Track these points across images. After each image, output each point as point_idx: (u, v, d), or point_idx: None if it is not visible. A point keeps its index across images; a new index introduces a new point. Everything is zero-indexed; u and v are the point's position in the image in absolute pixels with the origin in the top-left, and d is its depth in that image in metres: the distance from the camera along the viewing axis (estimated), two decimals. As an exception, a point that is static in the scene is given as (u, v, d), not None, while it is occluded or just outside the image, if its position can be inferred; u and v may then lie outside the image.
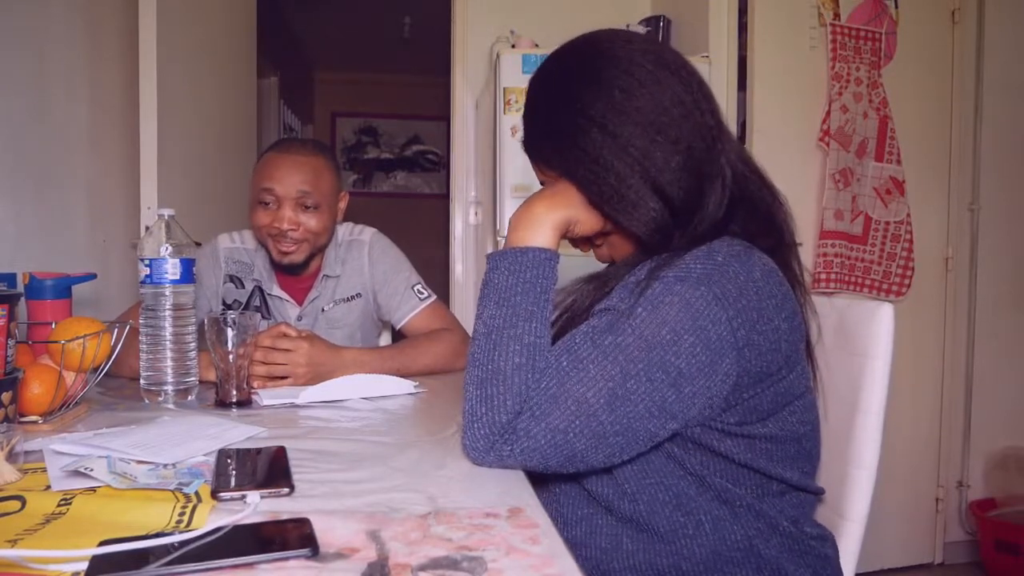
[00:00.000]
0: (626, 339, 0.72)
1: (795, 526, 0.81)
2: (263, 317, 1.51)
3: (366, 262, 1.56)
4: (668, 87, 0.80)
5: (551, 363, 0.75)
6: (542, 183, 0.90)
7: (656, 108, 0.79)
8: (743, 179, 0.85)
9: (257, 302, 1.53)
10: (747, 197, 0.84)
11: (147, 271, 1.10)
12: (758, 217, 0.84)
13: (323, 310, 1.53)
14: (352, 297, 1.55)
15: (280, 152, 1.46)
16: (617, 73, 0.80)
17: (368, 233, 1.59)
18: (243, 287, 1.53)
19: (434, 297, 1.55)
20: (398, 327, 1.56)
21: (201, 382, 1.17)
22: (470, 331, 0.84)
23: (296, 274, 1.53)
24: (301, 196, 1.41)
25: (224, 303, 1.53)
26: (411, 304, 1.53)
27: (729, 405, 0.76)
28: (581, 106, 0.80)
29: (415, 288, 1.54)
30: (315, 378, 1.20)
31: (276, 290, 1.52)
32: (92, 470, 0.71)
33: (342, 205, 1.53)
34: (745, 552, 0.78)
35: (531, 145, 0.88)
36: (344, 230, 1.59)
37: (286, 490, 0.68)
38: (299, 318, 1.52)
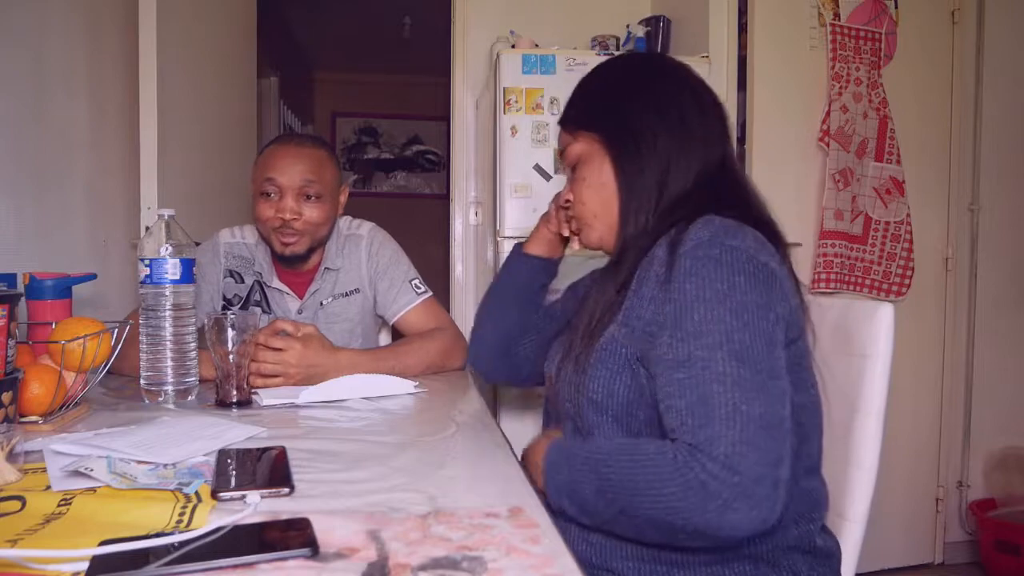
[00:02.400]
0: (712, 348, 0.73)
1: (796, 525, 0.81)
2: (263, 311, 1.52)
3: (364, 256, 1.56)
4: (713, 115, 0.94)
5: (688, 422, 0.71)
6: (562, 153, 1.01)
7: (696, 126, 0.92)
8: (740, 190, 0.92)
9: (257, 296, 1.53)
10: (740, 203, 0.89)
11: (147, 271, 1.10)
12: (748, 217, 0.86)
13: (322, 304, 1.53)
14: (351, 292, 1.55)
15: (282, 144, 1.47)
16: (680, 89, 0.94)
17: (366, 228, 1.59)
18: (243, 281, 1.53)
19: (430, 293, 1.56)
20: (392, 321, 1.56)
21: (202, 380, 1.17)
22: (466, 330, 0.85)
23: (297, 267, 1.53)
24: (304, 185, 1.42)
25: (224, 298, 1.53)
26: (408, 298, 1.53)
27: (787, 343, 0.78)
28: (653, 100, 0.93)
29: (412, 282, 1.55)
30: (307, 379, 1.20)
31: (276, 283, 1.52)
32: (92, 470, 0.71)
33: (342, 199, 1.55)
34: (744, 553, 0.78)
35: (584, 112, 0.98)
36: (344, 224, 1.59)
37: (286, 490, 0.68)
38: (299, 311, 1.52)
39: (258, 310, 1.51)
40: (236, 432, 0.89)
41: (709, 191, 0.88)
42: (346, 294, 1.55)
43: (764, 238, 0.81)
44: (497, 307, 1.23)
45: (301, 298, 1.53)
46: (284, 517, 0.61)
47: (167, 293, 1.10)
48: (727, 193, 0.89)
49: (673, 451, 0.70)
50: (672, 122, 0.91)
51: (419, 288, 1.54)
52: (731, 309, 0.73)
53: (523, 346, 1.20)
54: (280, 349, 1.20)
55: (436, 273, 3.51)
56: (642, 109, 0.92)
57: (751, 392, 0.69)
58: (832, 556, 0.85)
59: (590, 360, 0.84)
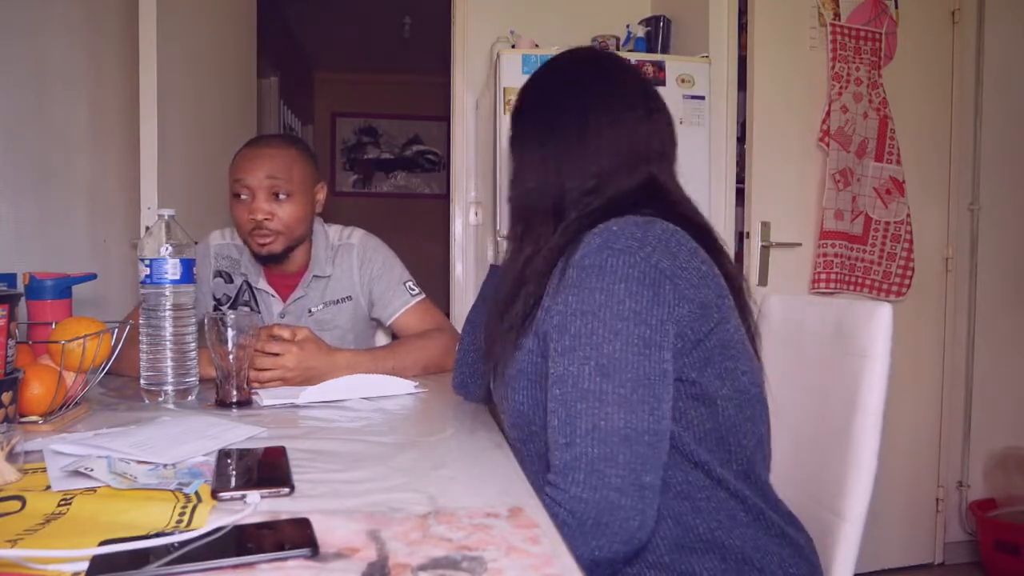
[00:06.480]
0: (581, 362, 0.73)
1: (758, 516, 0.81)
2: (252, 310, 1.52)
3: (355, 264, 1.56)
4: (631, 118, 0.89)
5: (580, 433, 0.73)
6: None
7: (596, 128, 0.88)
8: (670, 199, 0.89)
9: (246, 296, 1.54)
10: (666, 204, 0.86)
11: (147, 271, 1.10)
12: (673, 214, 0.85)
13: (310, 311, 1.53)
14: (342, 300, 1.55)
15: (250, 146, 1.48)
16: (588, 87, 0.90)
17: (357, 235, 1.59)
18: (231, 282, 1.54)
19: (424, 295, 1.57)
20: (388, 323, 1.56)
21: (202, 380, 1.17)
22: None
23: (281, 269, 1.53)
24: (272, 185, 1.42)
25: (214, 298, 1.54)
26: (403, 300, 1.54)
27: (698, 338, 0.77)
28: (549, 103, 0.91)
29: (407, 285, 1.56)
30: (305, 381, 1.20)
31: (262, 283, 1.53)
32: (92, 470, 0.71)
33: (320, 196, 1.53)
34: (708, 543, 0.78)
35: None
36: (335, 233, 1.59)
37: (286, 490, 0.68)
38: (281, 315, 1.52)
39: (258, 315, 1.51)
40: (236, 432, 0.89)
41: (634, 193, 0.86)
42: (337, 301, 1.55)
43: (677, 230, 0.79)
44: (477, 326, 1.15)
45: (284, 302, 1.53)
46: (284, 517, 0.61)
47: (167, 293, 1.10)
48: (647, 193, 0.87)
49: (544, 501, 0.72)
50: (571, 122, 0.88)
51: (413, 290, 1.55)
52: (604, 320, 0.73)
53: None
54: (277, 354, 1.20)
55: (436, 273, 3.51)
56: (535, 107, 0.92)
57: (611, 406, 0.71)
58: (799, 546, 0.84)
59: (511, 372, 0.83)
